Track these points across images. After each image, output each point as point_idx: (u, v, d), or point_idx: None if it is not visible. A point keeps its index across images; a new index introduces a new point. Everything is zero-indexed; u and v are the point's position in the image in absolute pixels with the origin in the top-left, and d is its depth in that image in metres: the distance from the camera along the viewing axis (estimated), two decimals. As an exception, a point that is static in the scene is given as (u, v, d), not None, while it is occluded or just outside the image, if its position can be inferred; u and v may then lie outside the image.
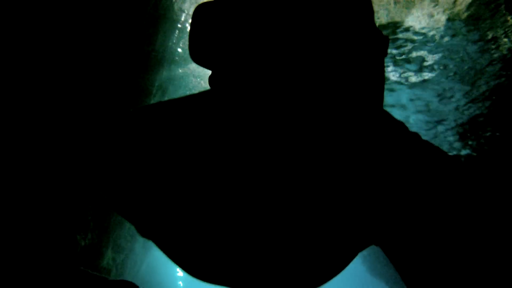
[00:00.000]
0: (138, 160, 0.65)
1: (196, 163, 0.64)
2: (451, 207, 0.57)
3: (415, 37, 4.75)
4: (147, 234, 0.70)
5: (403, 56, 5.07)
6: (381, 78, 0.58)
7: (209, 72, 0.62)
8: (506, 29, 4.20)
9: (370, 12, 0.57)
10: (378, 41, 0.55)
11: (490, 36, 4.36)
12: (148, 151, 0.65)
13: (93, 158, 0.68)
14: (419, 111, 5.97)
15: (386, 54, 0.58)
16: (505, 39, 4.31)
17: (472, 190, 0.58)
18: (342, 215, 0.64)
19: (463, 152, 6.23)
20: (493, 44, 4.43)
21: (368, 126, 0.60)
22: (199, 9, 0.60)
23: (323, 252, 0.66)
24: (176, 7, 4.55)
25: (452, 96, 5.41)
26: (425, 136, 6.24)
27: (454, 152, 6.34)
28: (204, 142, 0.63)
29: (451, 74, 5.06)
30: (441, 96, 5.49)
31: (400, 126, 0.65)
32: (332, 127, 0.55)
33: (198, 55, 0.59)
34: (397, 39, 4.80)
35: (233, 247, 0.66)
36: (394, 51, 5.00)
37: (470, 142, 5.92)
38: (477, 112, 5.42)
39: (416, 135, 0.64)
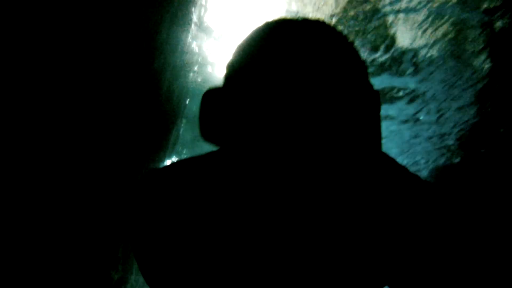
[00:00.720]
0: (165, 219, 0.67)
1: (217, 219, 0.66)
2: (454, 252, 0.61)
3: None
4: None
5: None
6: (377, 129, 0.61)
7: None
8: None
9: (365, 71, 0.63)
10: (371, 96, 0.61)
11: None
12: (173, 210, 0.68)
13: (127, 215, 0.73)
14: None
15: (379, 106, 0.62)
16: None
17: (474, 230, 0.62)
18: (355, 259, 0.65)
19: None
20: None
21: (370, 175, 0.63)
22: (207, 95, 0.64)
23: None
24: None
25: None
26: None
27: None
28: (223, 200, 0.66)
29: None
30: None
31: (402, 170, 0.67)
32: (334, 183, 0.59)
33: (208, 135, 0.64)
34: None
35: None
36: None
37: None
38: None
39: (416, 177, 0.67)
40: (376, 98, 0.61)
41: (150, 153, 5.02)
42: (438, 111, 6.70)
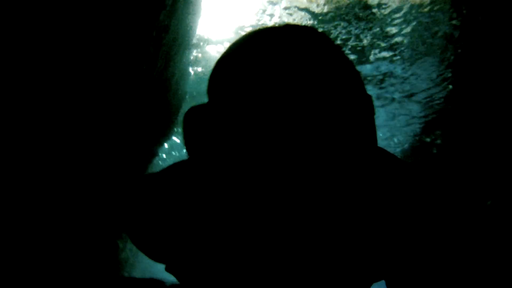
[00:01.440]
0: (156, 214, 0.72)
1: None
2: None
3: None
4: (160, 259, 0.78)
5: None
6: (372, 127, 0.62)
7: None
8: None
9: (357, 76, 0.64)
10: (364, 100, 0.62)
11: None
12: (162, 208, 0.72)
13: (121, 210, 0.77)
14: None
15: (373, 108, 0.63)
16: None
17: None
18: (354, 250, 0.66)
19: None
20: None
21: (366, 169, 0.64)
22: (190, 113, 0.64)
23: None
24: None
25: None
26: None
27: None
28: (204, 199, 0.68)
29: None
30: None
31: (401, 163, 0.69)
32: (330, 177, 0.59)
33: (193, 151, 0.64)
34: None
35: None
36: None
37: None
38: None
39: (406, 164, 0.70)
40: (369, 101, 0.63)
41: (156, 138, 5.68)
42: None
